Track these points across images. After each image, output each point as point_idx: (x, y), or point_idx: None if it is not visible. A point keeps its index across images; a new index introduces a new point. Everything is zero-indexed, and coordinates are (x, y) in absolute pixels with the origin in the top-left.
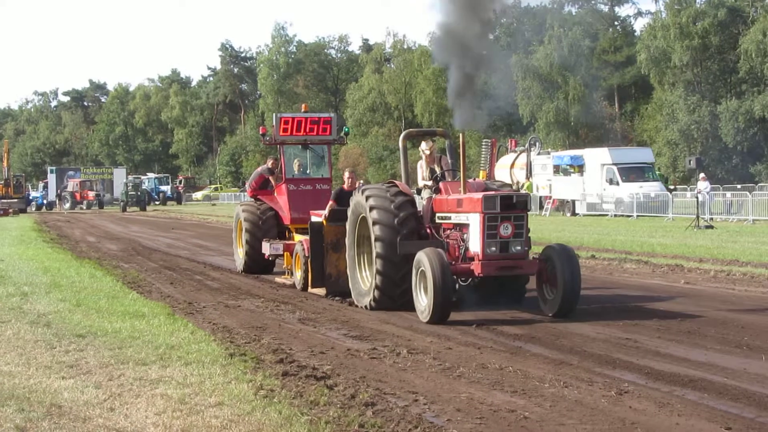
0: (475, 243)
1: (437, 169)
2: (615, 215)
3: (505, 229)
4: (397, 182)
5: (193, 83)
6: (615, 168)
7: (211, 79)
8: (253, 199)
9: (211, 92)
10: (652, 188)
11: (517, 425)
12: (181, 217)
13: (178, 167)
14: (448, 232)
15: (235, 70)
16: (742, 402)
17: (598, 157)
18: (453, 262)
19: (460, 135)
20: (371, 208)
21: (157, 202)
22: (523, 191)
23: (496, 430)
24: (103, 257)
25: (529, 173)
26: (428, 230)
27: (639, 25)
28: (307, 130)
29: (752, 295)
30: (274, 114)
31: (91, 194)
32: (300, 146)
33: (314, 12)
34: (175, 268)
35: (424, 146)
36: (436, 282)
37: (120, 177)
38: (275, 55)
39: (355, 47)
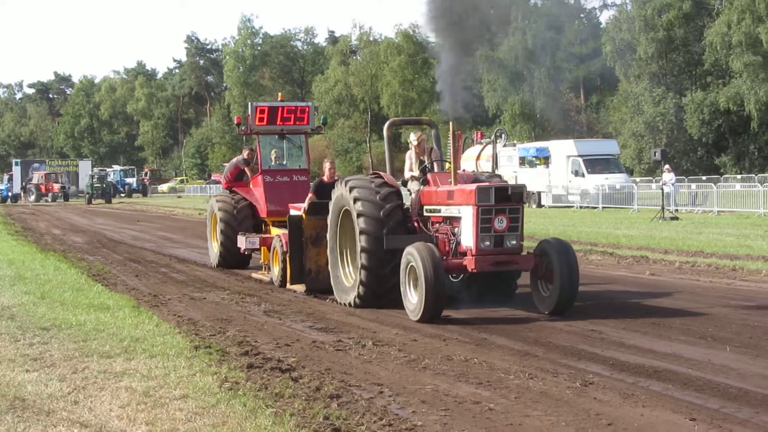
0: (467, 237)
1: (426, 161)
2: (580, 207)
3: (500, 223)
4: (382, 174)
5: (159, 75)
6: (580, 160)
7: (177, 71)
8: (227, 191)
9: (177, 84)
10: (617, 180)
11: (482, 417)
12: (146, 209)
13: (144, 159)
14: (438, 225)
15: (201, 62)
16: (707, 393)
17: (563, 149)
18: (444, 258)
19: (451, 123)
20: (355, 200)
21: (122, 195)
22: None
23: (461, 421)
24: (68, 250)
25: (495, 165)
26: (416, 224)
27: (604, 17)
28: (284, 120)
29: (717, 286)
30: (249, 103)
31: (57, 187)
32: (276, 136)
33: (280, 4)
34: (140, 260)
35: (413, 137)
36: (428, 278)
37: (85, 169)
38: (241, 47)
39: (321, 39)
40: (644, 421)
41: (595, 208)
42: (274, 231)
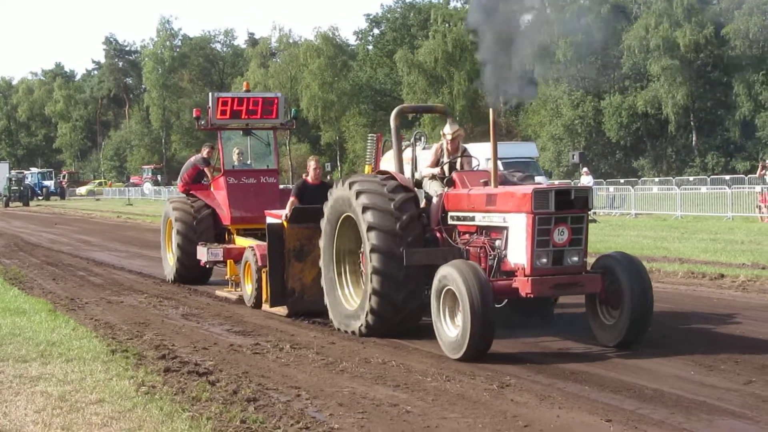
0: (517, 252)
1: (457, 161)
2: None
3: (560, 235)
4: (393, 173)
5: (78, 77)
6: (500, 162)
7: (96, 72)
8: (185, 195)
9: (96, 86)
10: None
11: (399, 419)
12: (64, 212)
13: (62, 162)
14: (469, 237)
15: (120, 64)
16: (623, 394)
17: (482, 152)
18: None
19: (491, 111)
20: (365, 209)
21: (40, 197)
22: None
23: (378, 424)
24: None
25: (414, 168)
26: (438, 234)
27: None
28: (250, 113)
29: None
30: (210, 93)
31: None
32: (241, 132)
33: (200, 6)
34: (57, 263)
35: (448, 129)
36: (475, 306)
37: (2, 172)
38: (160, 49)
39: (240, 41)
40: (560, 422)
41: None
42: (240, 241)
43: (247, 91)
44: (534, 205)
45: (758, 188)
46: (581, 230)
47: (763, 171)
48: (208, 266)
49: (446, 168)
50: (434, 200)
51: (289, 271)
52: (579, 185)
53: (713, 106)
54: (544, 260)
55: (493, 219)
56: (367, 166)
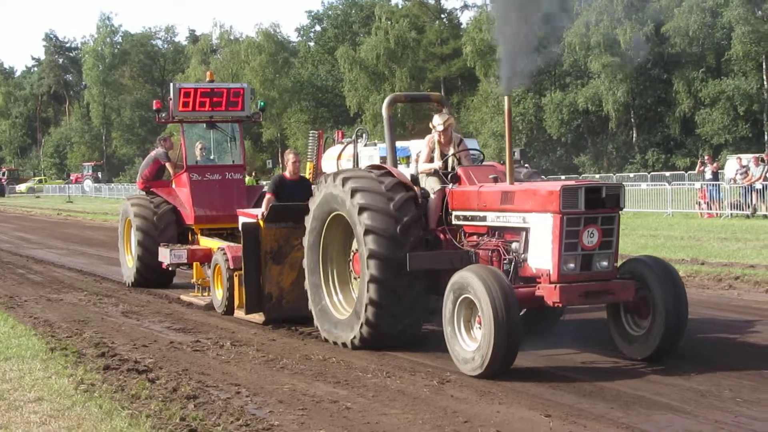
0: (541, 257)
1: (453, 153)
2: None
3: (590, 237)
4: (389, 168)
5: (17, 74)
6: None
7: (36, 69)
8: (144, 193)
9: (36, 83)
10: None
11: (340, 416)
12: (3, 209)
13: (1, 159)
14: (478, 238)
15: (60, 60)
16: (562, 389)
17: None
18: None
19: (506, 99)
20: (362, 209)
21: None
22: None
23: (318, 421)
24: None
25: (355, 165)
26: (441, 235)
27: (465, 17)
28: (214, 105)
29: None
30: (172, 84)
31: None
32: (204, 125)
33: (141, 2)
34: None
35: (437, 120)
36: (499, 318)
37: None
38: (101, 46)
39: (182, 38)
40: (500, 417)
41: None
42: (205, 242)
43: (211, 81)
44: (562, 204)
45: (698, 185)
46: (612, 232)
47: (703, 167)
48: (170, 269)
49: (448, 162)
50: (432, 198)
51: (266, 274)
52: (614, 183)
53: (653, 103)
54: (572, 265)
55: (510, 219)
56: (308, 163)
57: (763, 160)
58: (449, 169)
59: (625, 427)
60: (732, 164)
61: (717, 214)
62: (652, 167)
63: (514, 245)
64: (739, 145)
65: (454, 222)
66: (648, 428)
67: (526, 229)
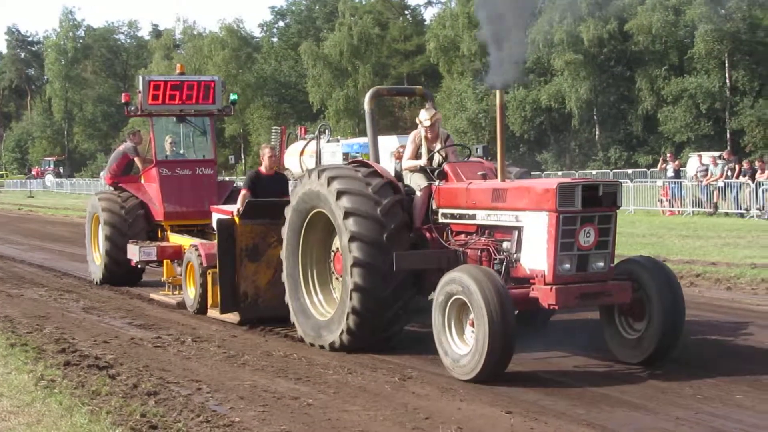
0: (536, 257)
1: (440, 149)
2: None
3: (587, 237)
4: (375, 166)
5: None
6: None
7: None
8: (112, 188)
9: None
10: None
11: (301, 412)
12: None
13: None
14: (466, 237)
15: (22, 54)
16: (524, 386)
17: (387, 145)
18: None
19: (498, 94)
20: (347, 214)
21: None
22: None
23: (279, 417)
24: None
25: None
26: (427, 234)
27: (429, 14)
28: (184, 98)
29: None
30: (141, 77)
31: None
32: (174, 119)
33: None
34: None
35: (424, 115)
36: (494, 322)
37: None
38: (63, 40)
39: (144, 33)
40: (462, 414)
41: None
42: (174, 239)
43: (181, 73)
44: (558, 202)
45: (660, 182)
46: (609, 231)
47: (665, 165)
48: (139, 266)
49: (433, 159)
50: (418, 195)
51: (242, 272)
52: (611, 180)
53: (616, 100)
54: (567, 266)
55: (502, 218)
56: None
57: (723, 158)
58: (436, 166)
59: (586, 424)
60: (694, 162)
61: (679, 211)
62: (615, 165)
63: (505, 245)
64: (702, 142)
65: (441, 220)
66: (609, 425)
67: (519, 228)
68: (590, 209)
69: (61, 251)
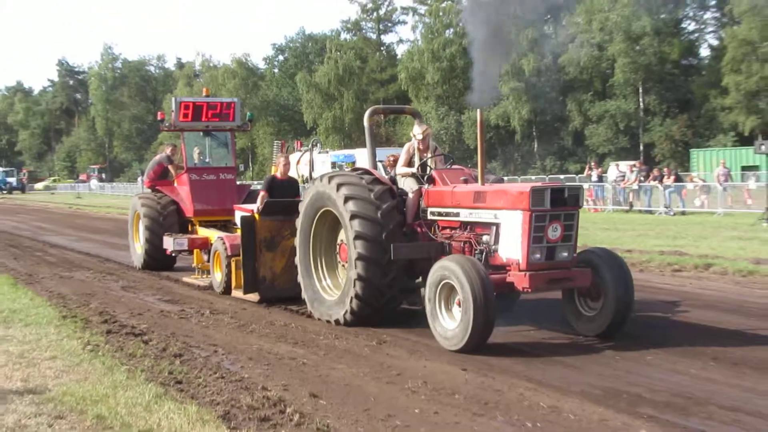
0: (511, 248)
1: (429, 159)
2: None
3: (554, 231)
4: (369, 169)
5: (35, 92)
6: (380, 164)
7: (50, 89)
8: (150, 190)
9: (50, 100)
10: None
11: (297, 369)
12: (24, 204)
13: (23, 162)
14: (452, 232)
15: (71, 82)
16: (479, 352)
17: (366, 156)
18: None
19: (478, 112)
20: (347, 199)
21: (4, 192)
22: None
23: (280, 373)
24: None
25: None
26: (418, 229)
27: (401, 50)
28: (210, 116)
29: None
30: (174, 98)
31: None
32: (201, 133)
33: (137, 34)
34: (18, 246)
35: (417, 129)
36: (477, 300)
37: None
38: (104, 70)
39: (170, 64)
40: (426, 371)
41: None
42: (202, 231)
43: (207, 96)
44: (531, 202)
45: (586, 185)
46: (572, 227)
47: (590, 171)
48: (173, 254)
49: (423, 166)
50: (410, 196)
51: (261, 260)
52: (575, 184)
53: (551, 119)
54: (538, 255)
55: (482, 215)
56: (273, 167)
57: (636, 167)
58: (426, 172)
59: (525, 378)
60: (613, 170)
61: (601, 209)
62: (550, 171)
63: (485, 238)
64: (620, 154)
65: (429, 217)
66: (542, 379)
67: (497, 224)
68: (557, 208)
69: (104, 241)
